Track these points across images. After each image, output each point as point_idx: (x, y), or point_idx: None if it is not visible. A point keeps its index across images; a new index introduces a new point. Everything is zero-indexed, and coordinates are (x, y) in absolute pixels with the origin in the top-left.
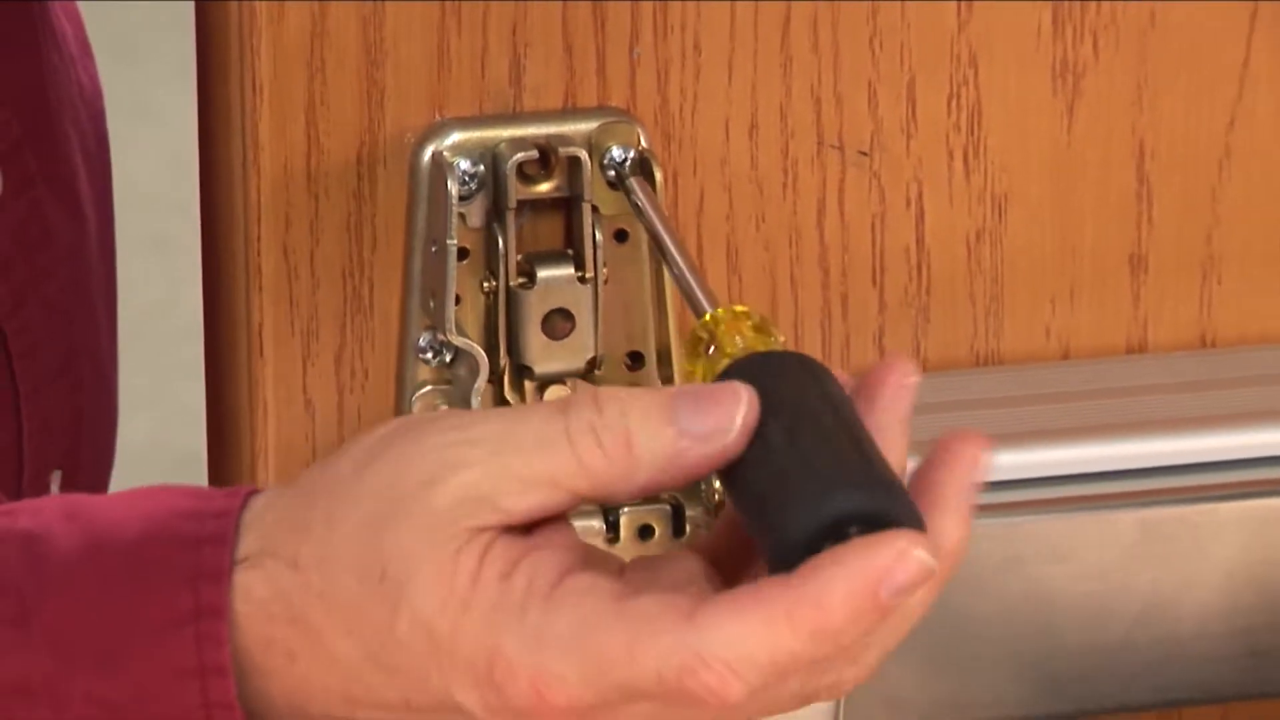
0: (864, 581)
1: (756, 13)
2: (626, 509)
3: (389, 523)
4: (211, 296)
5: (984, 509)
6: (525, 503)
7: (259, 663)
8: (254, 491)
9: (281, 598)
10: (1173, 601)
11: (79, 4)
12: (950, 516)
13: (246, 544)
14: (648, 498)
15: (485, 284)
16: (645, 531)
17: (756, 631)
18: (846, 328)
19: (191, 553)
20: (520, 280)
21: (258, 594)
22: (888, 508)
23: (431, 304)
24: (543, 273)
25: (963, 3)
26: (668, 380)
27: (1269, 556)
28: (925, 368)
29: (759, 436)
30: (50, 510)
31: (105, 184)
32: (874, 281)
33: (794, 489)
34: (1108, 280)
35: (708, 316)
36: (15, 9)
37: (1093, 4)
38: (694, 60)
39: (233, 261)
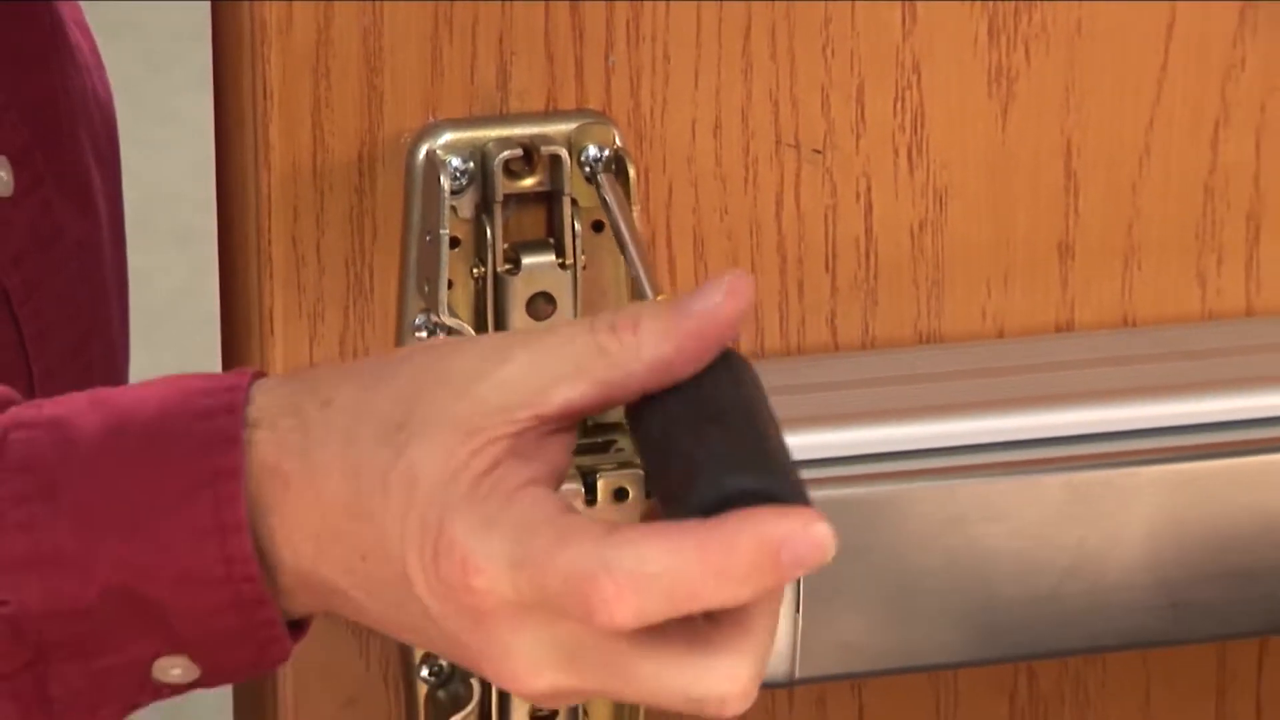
0: (771, 538)
1: (720, 24)
2: (602, 473)
3: (431, 391)
4: (227, 282)
5: (927, 473)
6: (553, 400)
7: (260, 496)
8: (260, 373)
9: (301, 430)
10: (1098, 556)
11: (92, 20)
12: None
13: (268, 400)
14: (622, 464)
15: (475, 270)
16: (620, 494)
17: (663, 555)
18: (802, 309)
19: (205, 422)
20: (506, 267)
21: (280, 429)
22: (792, 493)
23: (426, 288)
24: (527, 260)
25: (907, 14)
26: None
27: (1185, 515)
28: (873, 345)
29: (690, 396)
30: (76, 399)
31: (116, 182)
32: (826, 268)
33: (702, 463)
34: (1038, 266)
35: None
36: (30, 29)
37: (1025, 15)
38: (663, 67)
39: (246, 250)
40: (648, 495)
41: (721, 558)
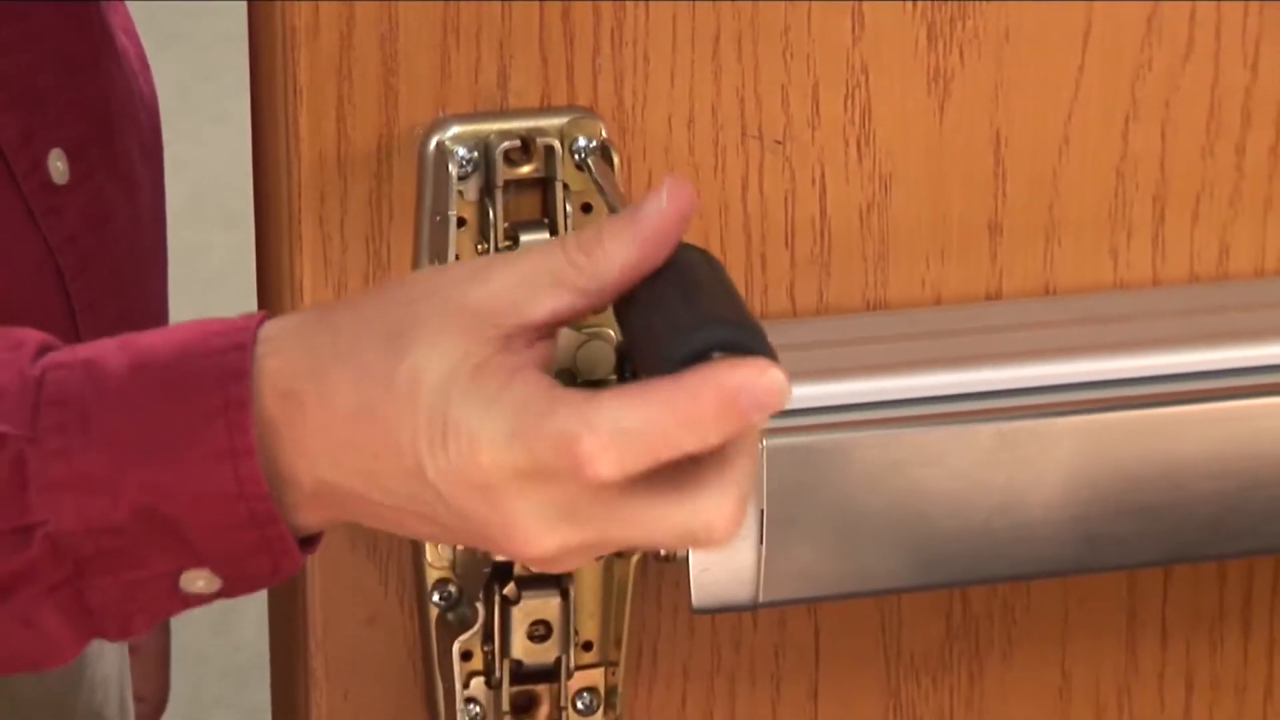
0: (731, 385)
1: (693, 30)
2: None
3: (421, 303)
4: (263, 257)
5: (874, 423)
6: (541, 307)
7: (275, 418)
8: (268, 315)
9: (311, 355)
10: (1022, 496)
11: (148, 32)
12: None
13: (274, 338)
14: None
15: (479, 247)
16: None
17: (638, 409)
18: (765, 280)
19: (218, 358)
20: (507, 244)
21: (291, 355)
22: (749, 343)
23: (436, 262)
24: (524, 237)
25: (856, 22)
26: None
27: (1099, 460)
28: (826, 312)
29: (655, 285)
30: (107, 343)
31: (159, 173)
32: (786, 244)
33: (678, 322)
34: (971, 242)
35: None
36: (82, 37)
37: (959, 22)
38: (643, 68)
39: (279, 229)
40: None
41: (687, 407)
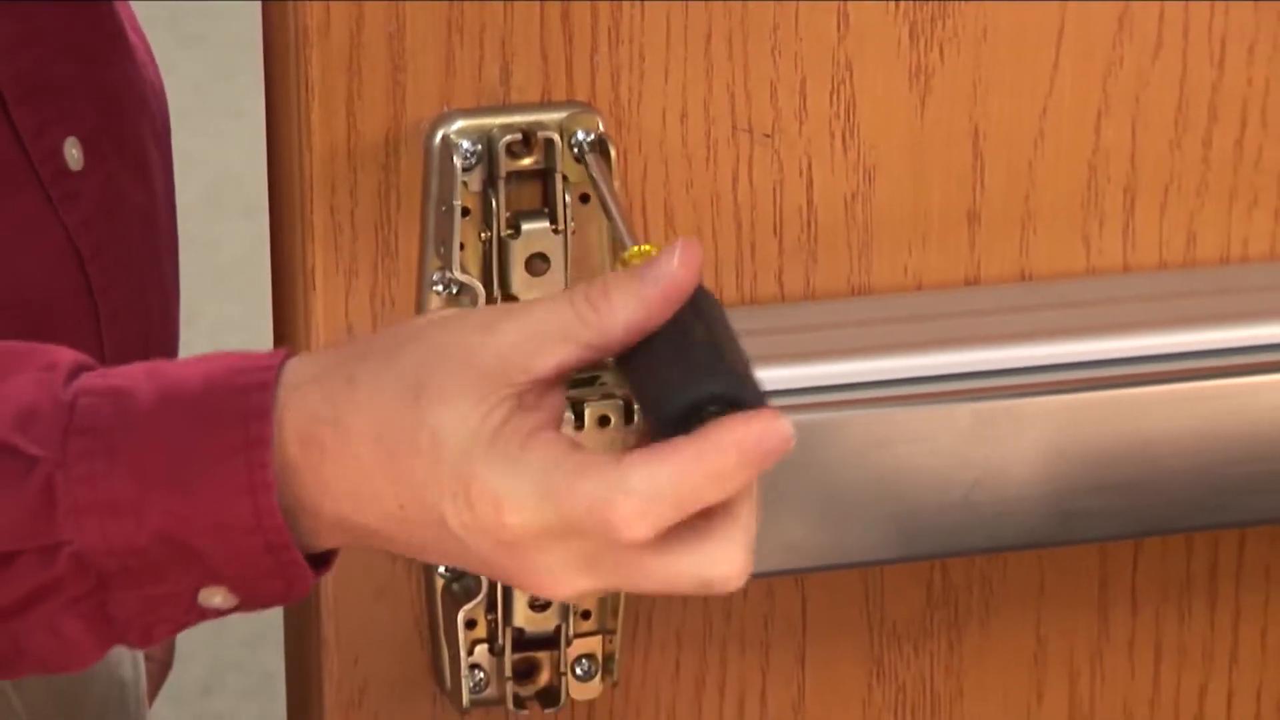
0: (750, 439)
1: (686, 29)
2: (588, 404)
3: (438, 364)
4: (278, 245)
5: (859, 403)
6: (547, 361)
7: (296, 458)
8: (293, 352)
9: (330, 404)
10: (1000, 472)
11: (170, 35)
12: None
13: (295, 380)
14: (605, 396)
15: (482, 235)
16: (603, 421)
17: (668, 470)
18: (754, 267)
19: (241, 398)
20: (509, 232)
21: (311, 402)
22: (740, 393)
23: (442, 250)
24: (526, 226)
25: (841, 22)
26: None
27: (1073, 438)
28: (814, 297)
29: (651, 350)
30: (135, 371)
31: (169, 161)
32: (775, 232)
33: (672, 380)
34: (950, 231)
35: (625, 253)
36: (96, 31)
37: (939, 22)
38: (639, 65)
39: (293, 219)
40: (626, 422)
41: (712, 462)
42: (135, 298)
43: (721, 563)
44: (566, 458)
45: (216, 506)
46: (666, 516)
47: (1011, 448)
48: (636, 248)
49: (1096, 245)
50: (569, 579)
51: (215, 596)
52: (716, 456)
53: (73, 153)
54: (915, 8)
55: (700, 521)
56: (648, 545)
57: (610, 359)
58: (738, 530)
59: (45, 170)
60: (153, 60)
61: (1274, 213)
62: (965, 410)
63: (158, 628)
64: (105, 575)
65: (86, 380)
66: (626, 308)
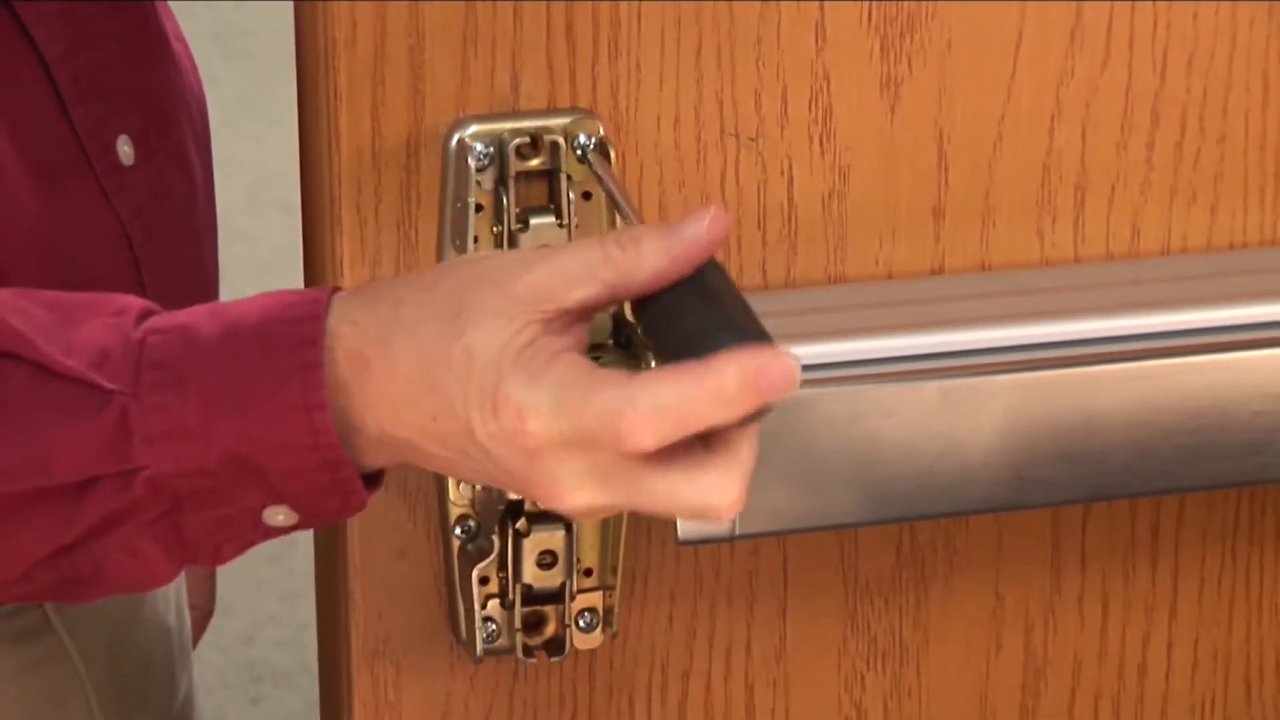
0: (751, 366)
1: (679, 43)
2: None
3: (479, 287)
4: (309, 240)
5: (835, 380)
6: (575, 295)
7: (345, 377)
8: (338, 288)
9: (378, 324)
10: (963, 443)
11: (215, 50)
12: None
13: (343, 309)
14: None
15: (494, 229)
16: None
17: (673, 387)
18: (740, 258)
19: (295, 327)
20: (518, 226)
21: (361, 324)
22: (756, 339)
23: (457, 242)
24: (534, 221)
25: (819, 36)
26: None
27: (1029, 413)
28: (793, 285)
29: (682, 291)
30: (199, 311)
31: (208, 158)
32: (759, 227)
33: (699, 329)
34: (917, 225)
35: None
36: (143, 38)
37: (908, 36)
38: (636, 75)
39: (322, 215)
40: None
41: (715, 384)
42: (179, 280)
43: (718, 491)
44: (584, 375)
45: (276, 426)
46: (670, 430)
47: (973, 421)
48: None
49: (1050, 238)
50: (579, 490)
51: (278, 515)
52: (718, 378)
53: (124, 149)
54: (886, 23)
55: (702, 449)
56: (652, 462)
57: (629, 312)
58: (735, 464)
59: (100, 165)
60: (193, 66)
61: (1210, 209)
62: (932, 387)
63: (226, 546)
64: (179, 497)
65: (154, 321)
66: (653, 255)
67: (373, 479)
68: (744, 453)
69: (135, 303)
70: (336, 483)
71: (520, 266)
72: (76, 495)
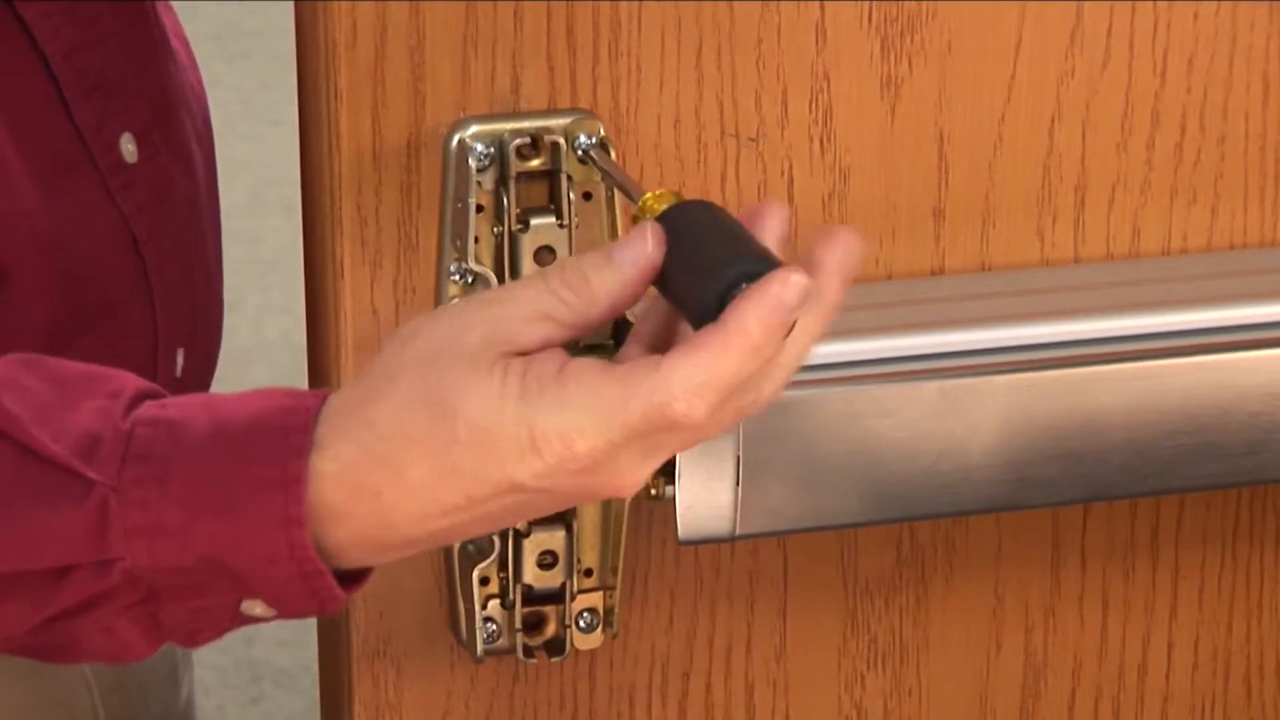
0: (767, 304)
1: (679, 44)
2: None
3: (435, 367)
4: (310, 239)
5: (834, 380)
6: (530, 336)
7: (349, 509)
8: (332, 392)
9: (366, 452)
10: (962, 443)
11: (217, 51)
12: (831, 277)
13: (330, 424)
14: (592, 345)
15: (495, 229)
16: None
17: (706, 362)
18: None
19: (282, 437)
20: (519, 226)
21: (346, 455)
22: (764, 267)
23: (458, 243)
24: (534, 221)
25: (819, 37)
26: None
27: (1029, 412)
28: None
29: (675, 249)
30: (194, 402)
31: (211, 155)
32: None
33: (701, 272)
34: (917, 225)
35: (640, 200)
36: (145, 37)
37: (908, 37)
38: (636, 76)
39: (323, 215)
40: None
41: (744, 340)
42: (184, 276)
43: (765, 385)
44: (608, 377)
45: (254, 536)
46: (717, 397)
47: (973, 421)
48: (651, 194)
49: (1050, 239)
50: (640, 470)
51: (256, 608)
52: (743, 336)
53: (128, 147)
54: (887, 23)
55: None
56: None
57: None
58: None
59: (104, 162)
60: (194, 65)
61: (1210, 209)
62: (931, 387)
63: (203, 632)
64: (155, 589)
65: (145, 410)
66: (606, 293)
67: (354, 576)
68: (782, 363)
69: (130, 384)
70: (312, 590)
71: (459, 327)
72: (55, 579)
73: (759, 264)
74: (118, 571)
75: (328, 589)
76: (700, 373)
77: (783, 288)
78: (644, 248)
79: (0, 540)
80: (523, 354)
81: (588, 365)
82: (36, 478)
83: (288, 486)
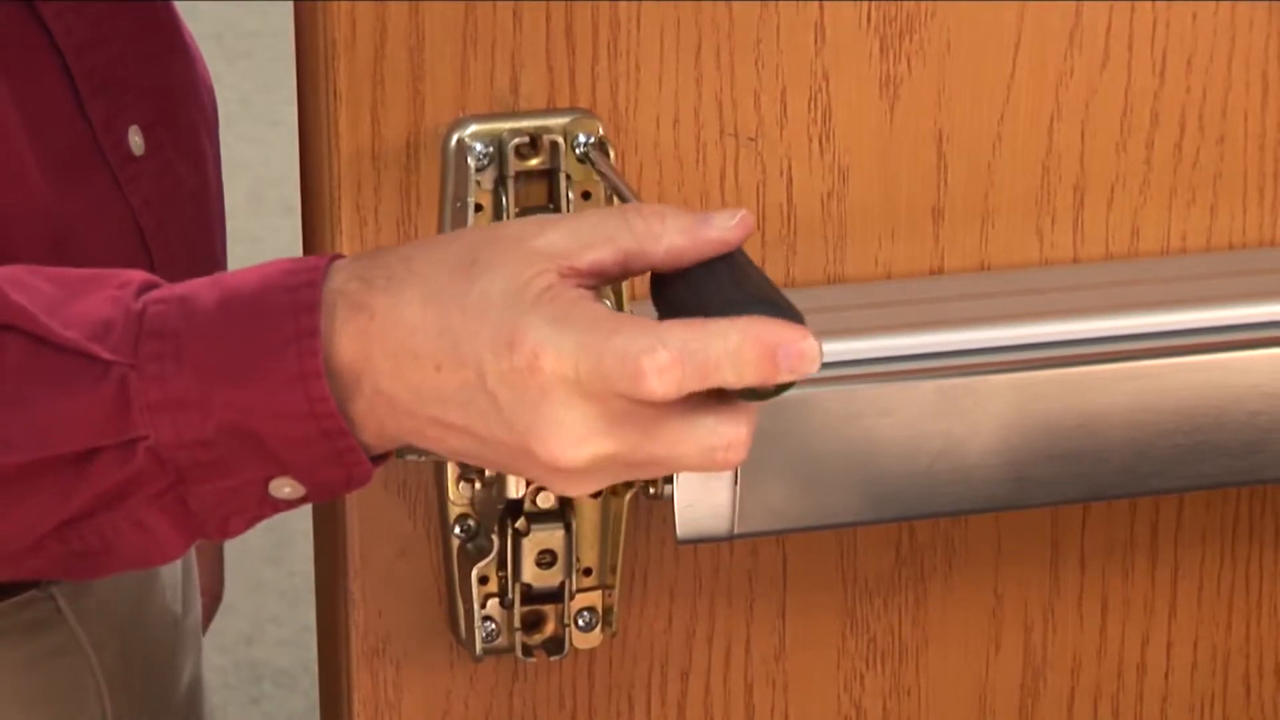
0: (773, 338)
1: (678, 43)
2: None
3: (492, 244)
4: (309, 238)
5: (833, 380)
6: (589, 256)
7: (349, 329)
8: (339, 255)
9: (386, 274)
10: (961, 443)
11: (219, 50)
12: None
13: (354, 266)
14: None
15: None
16: None
17: (699, 337)
18: None
19: (291, 294)
20: None
21: (369, 273)
22: (787, 315)
23: None
24: None
25: (818, 36)
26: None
27: (1027, 412)
28: (793, 285)
29: (708, 268)
30: (200, 281)
31: (217, 150)
32: (758, 226)
33: (730, 296)
34: (916, 225)
35: None
36: (153, 31)
37: (907, 36)
38: (635, 75)
39: (322, 214)
40: None
41: (737, 343)
42: (190, 269)
43: (727, 431)
44: (608, 317)
45: (272, 395)
46: (689, 379)
47: (971, 421)
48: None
49: (1049, 238)
50: (585, 439)
51: (285, 487)
52: (740, 339)
53: (136, 140)
54: (885, 23)
55: (710, 397)
56: (662, 409)
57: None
58: (742, 410)
59: (113, 156)
60: (201, 58)
61: (1209, 209)
62: (930, 387)
63: (234, 519)
64: (182, 469)
65: (156, 292)
66: (674, 233)
67: (377, 459)
68: (746, 412)
69: (138, 275)
70: (337, 453)
71: (537, 225)
72: (78, 467)
73: (789, 315)
74: (142, 451)
75: (351, 450)
76: (692, 342)
77: (800, 340)
78: (728, 220)
79: (19, 430)
80: (575, 274)
81: (597, 305)
82: (51, 365)
83: (300, 340)
